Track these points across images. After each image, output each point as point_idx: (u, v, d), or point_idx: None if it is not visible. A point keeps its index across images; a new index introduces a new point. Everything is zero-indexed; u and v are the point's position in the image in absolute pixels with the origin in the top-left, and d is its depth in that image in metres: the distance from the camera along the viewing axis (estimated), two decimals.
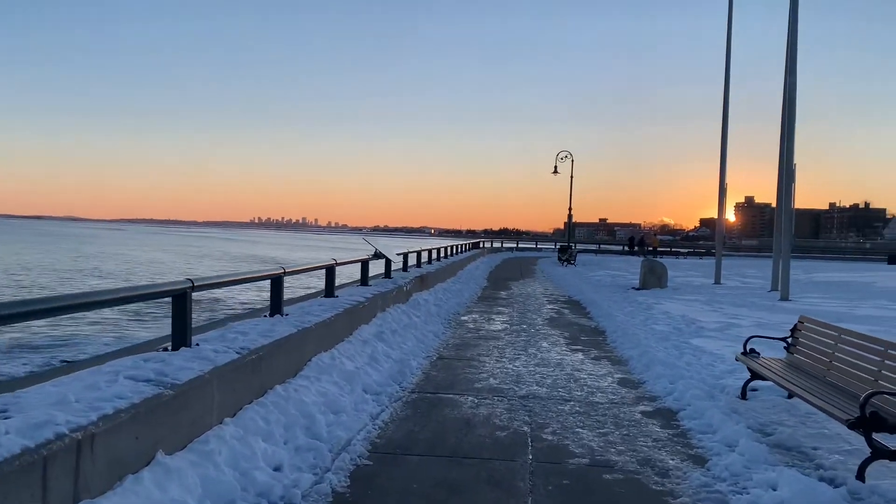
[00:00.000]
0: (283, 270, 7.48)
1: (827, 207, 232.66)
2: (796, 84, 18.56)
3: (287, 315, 7.45)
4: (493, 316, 14.18)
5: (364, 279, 11.66)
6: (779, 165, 20.67)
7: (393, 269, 14.98)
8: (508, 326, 12.62)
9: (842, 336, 6.44)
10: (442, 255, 23.23)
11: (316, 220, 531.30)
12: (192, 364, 4.86)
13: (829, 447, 5.62)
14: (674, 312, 14.61)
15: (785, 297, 18.00)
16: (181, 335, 5.38)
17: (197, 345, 5.47)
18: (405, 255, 15.85)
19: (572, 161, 45.39)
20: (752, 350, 7.47)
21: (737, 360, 7.53)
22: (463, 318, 13.70)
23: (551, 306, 16.46)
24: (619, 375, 8.43)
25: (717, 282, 24.37)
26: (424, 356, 9.16)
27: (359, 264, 11.65)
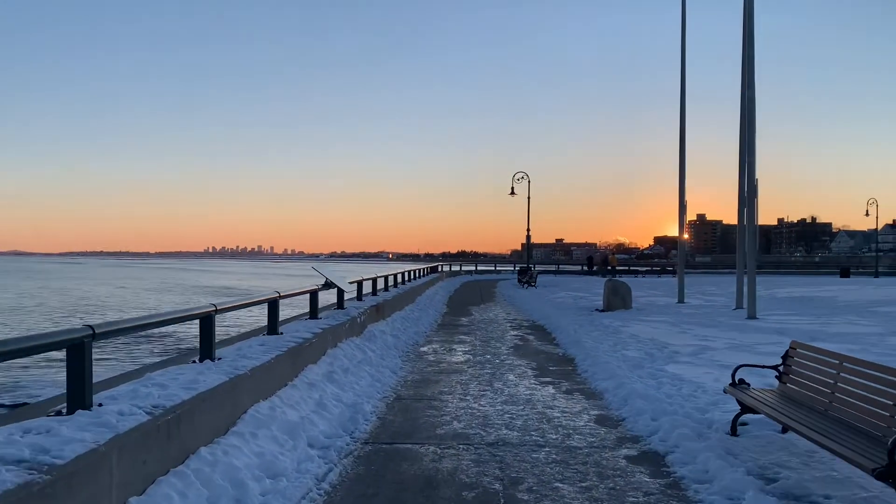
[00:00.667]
0: (213, 308, 6.53)
1: (776, 223, 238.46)
2: (755, 98, 18.35)
3: (220, 360, 6.50)
4: (455, 346, 13.34)
5: (313, 312, 10.72)
6: (738, 181, 20.41)
7: (346, 298, 14.08)
8: (471, 357, 11.79)
9: (844, 364, 5.77)
10: (399, 280, 22.36)
11: (272, 247, 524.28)
12: (86, 433, 3.90)
13: (843, 495, 4.91)
14: (642, 336, 13.99)
15: (752, 316, 17.58)
16: (78, 395, 4.41)
17: (99, 405, 4.50)
18: (359, 283, 14.95)
19: (529, 182, 45.12)
20: (742, 381, 6.77)
21: (725, 392, 6.83)
22: (422, 349, 12.84)
23: (515, 332, 15.70)
24: (595, 412, 7.65)
25: (681, 300, 23.99)
26: (380, 397, 8.25)
27: (307, 295, 10.71)
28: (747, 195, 17.89)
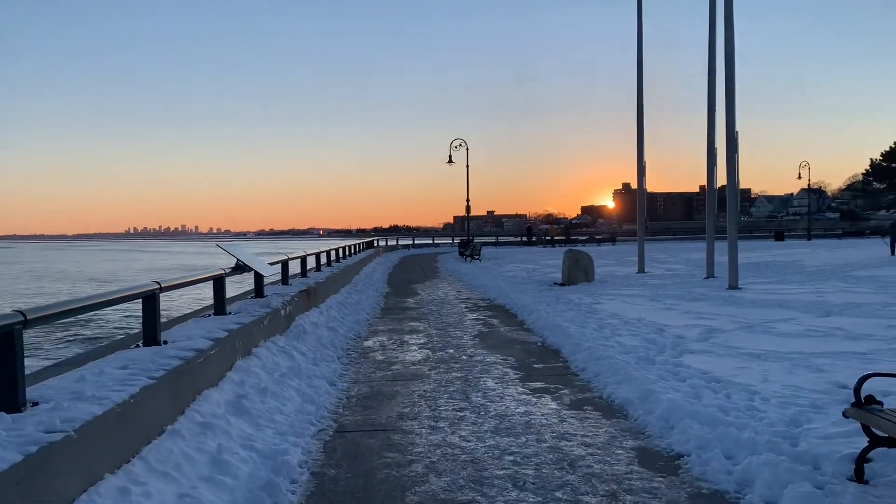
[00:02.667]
0: (22, 319, 3.80)
1: (698, 190, 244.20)
2: (732, 49, 16.23)
3: (35, 407, 3.79)
4: (407, 336, 10.81)
5: (219, 306, 7.95)
6: (707, 141, 18.51)
7: (268, 282, 11.35)
8: (430, 353, 9.28)
9: None
10: (333, 258, 19.60)
11: (196, 227, 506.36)
12: None
13: None
14: (626, 315, 11.79)
15: (734, 286, 15.69)
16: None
17: None
18: (284, 264, 12.18)
19: (467, 149, 42.62)
20: (870, 398, 4.48)
21: (846, 416, 4.52)
22: (367, 343, 10.25)
23: (474, 315, 13.27)
24: (631, 442, 5.28)
25: (641, 270, 22.11)
26: (315, 431, 5.66)
27: (209, 284, 7.93)
28: (729, 150, 15.86)
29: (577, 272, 18.26)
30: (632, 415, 5.98)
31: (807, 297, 13.70)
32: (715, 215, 18.97)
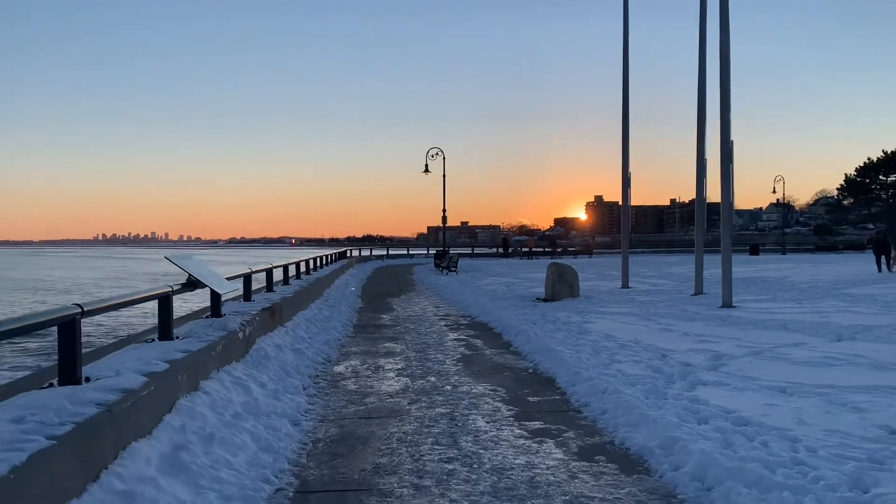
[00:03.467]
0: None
1: (668, 203, 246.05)
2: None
3: None
4: (382, 360, 9.73)
5: (164, 329, 6.81)
6: (697, 151, 17.77)
7: (229, 299, 10.25)
8: (409, 381, 8.22)
9: None
10: (303, 270, 18.45)
11: (167, 234, 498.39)
12: None
13: None
14: (620, 336, 10.86)
15: (728, 304, 14.88)
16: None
17: None
18: (247, 278, 11.03)
19: (444, 158, 41.78)
20: None
21: None
22: (338, 369, 9.16)
23: (455, 335, 12.23)
24: None
25: (625, 285, 21.29)
26: (268, 494, 4.56)
27: (147, 305, 6.79)
28: (723, 161, 15.05)
29: (562, 287, 17.34)
30: (655, 469, 4.98)
31: (808, 317, 12.89)
32: (704, 229, 18.18)
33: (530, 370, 8.90)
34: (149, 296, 6.49)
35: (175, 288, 7.21)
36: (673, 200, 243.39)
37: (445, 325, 13.58)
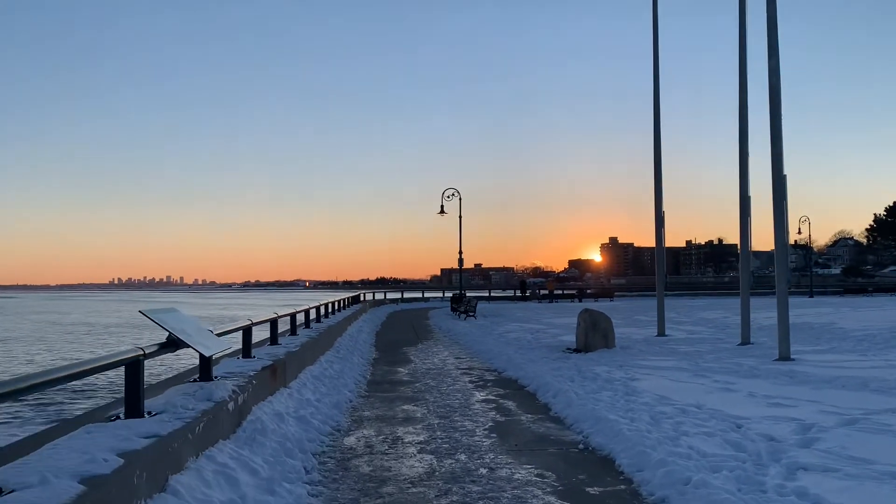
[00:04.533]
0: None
1: (684, 245, 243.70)
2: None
3: None
4: (401, 429, 8.26)
5: (132, 405, 5.41)
6: (740, 191, 16.40)
7: (226, 355, 8.91)
8: (435, 461, 6.75)
9: None
10: (313, 317, 17.09)
11: (181, 278, 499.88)
12: None
13: None
14: (678, 398, 9.34)
15: (786, 356, 13.30)
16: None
17: None
18: (246, 331, 9.65)
19: (460, 199, 40.69)
20: None
21: None
22: (348, 441, 7.70)
23: (483, 395, 10.74)
24: None
25: (662, 333, 19.70)
26: None
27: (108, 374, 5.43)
28: (775, 198, 13.60)
29: (595, 337, 15.83)
30: None
31: (886, 372, 11.29)
32: (750, 270, 16.71)
33: (580, 445, 7.39)
34: (109, 363, 5.12)
35: (149, 350, 5.86)
36: (689, 242, 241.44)
37: (470, 382, 12.09)
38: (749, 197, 16.44)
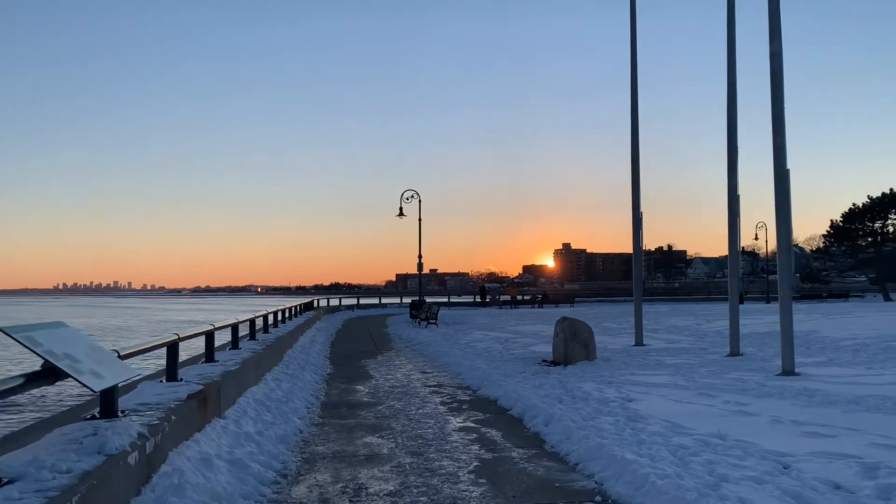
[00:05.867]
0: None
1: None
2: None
3: None
4: (363, 472, 6.55)
5: None
6: (728, 200, 15.16)
7: (143, 379, 7.14)
8: None
9: None
10: (260, 326, 15.21)
11: (130, 283, 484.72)
12: None
13: None
14: (692, 427, 7.89)
15: (790, 370, 12.01)
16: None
17: None
18: (171, 349, 7.81)
19: (420, 202, 39.00)
20: None
21: None
22: (297, 492, 5.95)
23: (459, 421, 9.08)
24: None
25: (640, 342, 18.37)
26: None
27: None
28: (778, 206, 12.30)
29: (576, 348, 14.34)
30: None
31: (882, 389, 10.02)
32: (739, 276, 15.45)
33: (597, 497, 5.78)
34: None
35: (13, 384, 4.09)
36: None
37: (442, 404, 10.41)
38: (738, 196, 15.23)
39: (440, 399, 10.82)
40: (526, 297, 58.53)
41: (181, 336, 8.04)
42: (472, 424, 8.83)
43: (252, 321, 13.68)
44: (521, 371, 13.24)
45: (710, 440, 7.20)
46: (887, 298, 53.78)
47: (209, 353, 9.91)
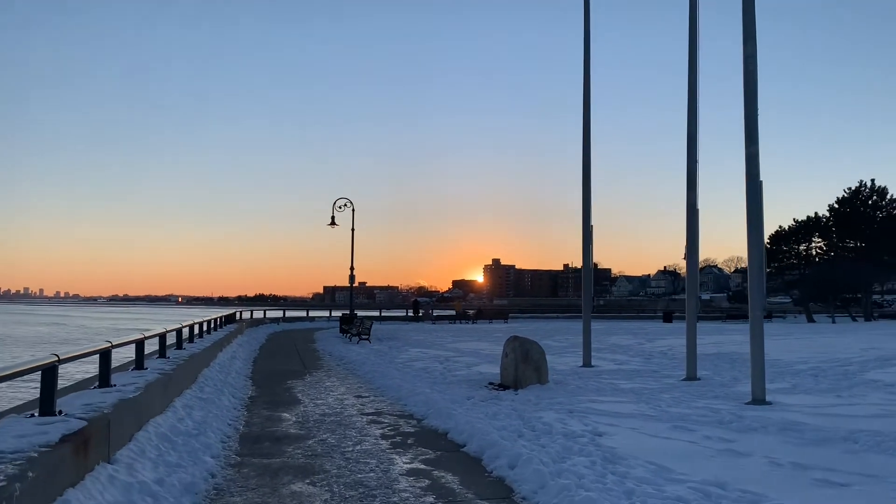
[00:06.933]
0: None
1: (562, 268, 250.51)
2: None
3: None
4: None
5: None
6: (687, 201, 14.38)
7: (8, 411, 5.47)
8: None
9: None
10: (172, 342, 13.39)
11: (41, 290, 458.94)
12: None
13: None
14: (682, 471, 6.75)
15: (760, 399, 11.13)
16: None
17: None
18: (47, 373, 6.13)
19: (353, 210, 37.38)
20: None
21: None
22: None
23: (406, 462, 7.65)
24: None
25: (588, 363, 17.36)
26: None
27: None
28: (750, 225, 11.47)
29: (527, 370, 13.13)
30: None
31: (860, 421, 9.20)
32: (697, 295, 14.66)
33: None
34: None
35: None
36: (566, 265, 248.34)
37: (383, 437, 8.96)
38: (697, 210, 14.45)
39: (380, 431, 9.37)
40: (467, 312, 57.32)
41: (60, 357, 6.35)
42: (423, 466, 7.43)
43: (163, 335, 11.88)
44: (469, 396, 11.93)
45: (710, 490, 6.06)
46: (810, 319, 55.19)
47: (104, 376, 8.18)
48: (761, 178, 11.31)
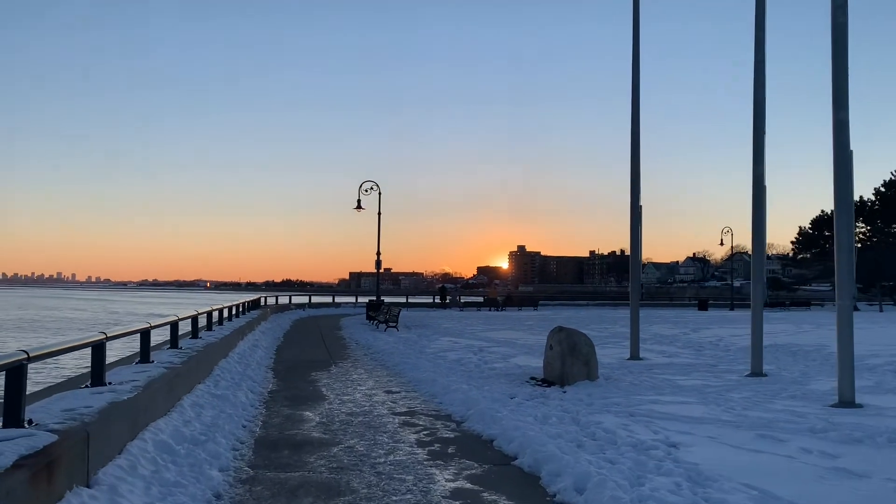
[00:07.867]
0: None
1: (588, 255, 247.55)
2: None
3: None
4: None
5: None
6: (753, 190, 12.88)
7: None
8: None
9: None
10: (186, 330, 12.29)
11: (73, 275, 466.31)
12: None
13: None
14: (790, 502, 5.40)
15: (849, 401, 9.72)
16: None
17: None
18: (13, 373, 4.97)
19: (379, 194, 36.14)
20: None
21: None
22: None
23: (448, 478, 6.41)
24: None
25: (636, 356, 16.00)
26: None
27: None
28: (839, 213, 10.01)
29: (576, 365, 11.83)
30: None
31: None
32: (764, 282, 13.25)
33: None
34: None
35: None
36: (592, 252, 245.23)
37: (419, 444, 7.74)
38: (764, 186, 13.00)
39: (415, 436, 8.15)
40: (479, 300, 56.03)
41: (30, 354, 5.19)
42: (469, 485, 6.19)
43: (174, 324, 10.75)
44: (512, 394, 10.67)
45: None
46: (855, 308, 52.98)
47: (97, 374, 7.06)
48: (851, 149, 9.83)
